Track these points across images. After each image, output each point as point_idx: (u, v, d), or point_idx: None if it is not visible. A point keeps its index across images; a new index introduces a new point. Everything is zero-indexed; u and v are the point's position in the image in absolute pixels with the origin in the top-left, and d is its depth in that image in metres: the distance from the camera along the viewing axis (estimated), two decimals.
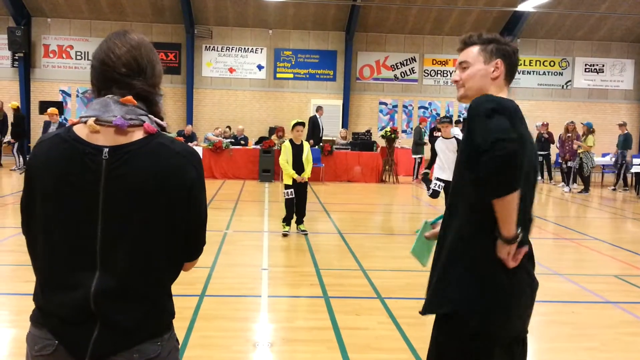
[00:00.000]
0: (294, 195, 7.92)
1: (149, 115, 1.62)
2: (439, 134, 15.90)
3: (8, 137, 17.07)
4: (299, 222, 8.18)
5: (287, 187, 7.97)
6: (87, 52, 19.86)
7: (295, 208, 8.04)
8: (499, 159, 1.83)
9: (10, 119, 16.88)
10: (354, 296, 5.48)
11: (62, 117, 15.14)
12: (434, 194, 8.01)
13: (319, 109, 16.39)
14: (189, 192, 1.60)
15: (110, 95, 1.58)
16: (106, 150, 1.54)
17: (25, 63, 19.28)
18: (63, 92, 19.90)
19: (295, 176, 7.87)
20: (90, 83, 1.66)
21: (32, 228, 1.65)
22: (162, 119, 1.66)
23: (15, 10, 18.70)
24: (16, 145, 16.04)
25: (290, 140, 8.09)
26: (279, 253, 7.13)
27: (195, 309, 4.78)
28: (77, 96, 19.97)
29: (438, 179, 7.93)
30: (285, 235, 7.99)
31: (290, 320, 4.73)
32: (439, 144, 7.99)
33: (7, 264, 6.28)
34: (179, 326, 2.02)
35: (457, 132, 17.10)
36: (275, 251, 7.19)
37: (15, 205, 9.88)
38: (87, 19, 19.69)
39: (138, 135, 1.57)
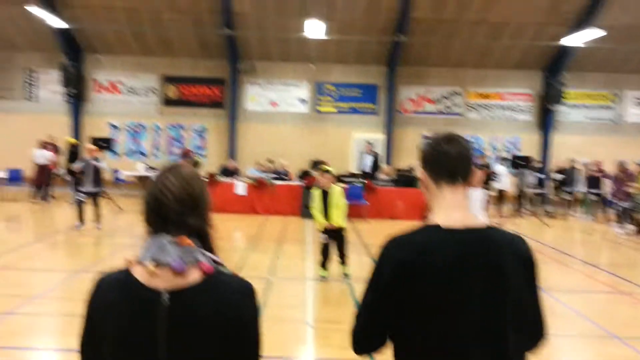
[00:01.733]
0: (327, 241, 8.03)
1: (204, 252, 1.62)
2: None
3: (62, 170, 17.55)
4: (342, 263, 8.19)
5: (323, 231, 8.08)
6: (136, 87, 20.43)
7: (338, 252, 8.10)
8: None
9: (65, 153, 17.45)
10: None
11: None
12: None
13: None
14: (248, 332, 1.62)
15: (165, 235, 1.59)
16: (166, 296, 1.54)
17: (77, 98, 19.94)
18: (112, 125, 20.45)
19: (324, 223, 7.94)
20: (144, 221, 1.66)
21: None
22: (215, 254, 1.66)
23: (69, 47, 19.43)
24: (73, 179, 16.45)
25: (320, 188, 8.15)
26: (324, 305, 7.02)
27: None
28: (126, 130, 20.50)
29: None
30: (323, 278, 8.08)
31: None
32: (470, 194, 7.74)
33: (56, 314, 6.33)
34: None
35: (501, 169, 16.85)
36: (319, 303, 7.08)
37: (66, 243, 10.09)
38: (137, 56, 20.28)
39: (195, 275, 1.57)
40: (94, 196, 11.58)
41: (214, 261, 1.63)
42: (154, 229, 1.63)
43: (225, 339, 1.56)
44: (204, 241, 1.65)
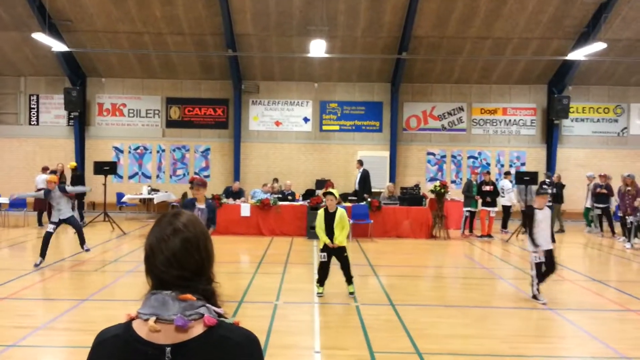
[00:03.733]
0: (327, 259, 8.32)
1: (207, 306, 1.57)
2: (486, 187, 15.67)
3: None
4: (348, 282, 8.47)
5: (321, 250, 8.38)
6: (140, 110, 20.51)
7: (343, 272, 8.41)
8: None
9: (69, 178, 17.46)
10: None
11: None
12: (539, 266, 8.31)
13: (362, 162, 17.02)
14: None
15: (167, 292, 1.55)
16: (168, 350, 1.50)
17: (80, 122, 20.01)
18: (116, 148, 20.48)
19: (327, 242, 8.25)
20: (146, 273, 1.61)
21: None
22: (219, 306, 1.61)
23: (71, 71, 19.54)
24: (75, 203, 16.44)
25: (325, 208, 8.49)
26: (331, 331, 6.89)
27: None
28: (129, 152, 20.52)
29: (536, 248, 8.33)
30: (320, 295, 8.30)
31: None
32: (538, 214, 8.34)
33: (62, 345, 6.23)
34: None
35: (506, 184, 16.72)
36: (327, 329, 6.95)
37: (73, 270, 10.01)
38: (140, 78, 20.38)
39: (198, 329, 1.53)
40: (67, 222, 10.70)
41: (218, 314, 1.59)
42: (154, 285, 1.59)
43: None
44: (210, 297, 1.61)
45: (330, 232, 8.27)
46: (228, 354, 1.52)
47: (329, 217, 8.33)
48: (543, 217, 8.31)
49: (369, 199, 15.56)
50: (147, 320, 1.52)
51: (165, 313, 1.52)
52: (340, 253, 8.32)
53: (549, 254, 8.35)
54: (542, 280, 8.39)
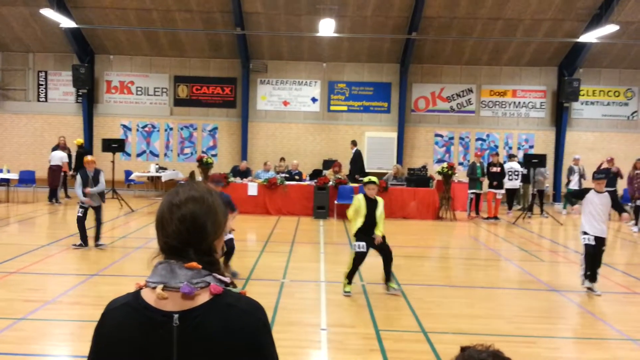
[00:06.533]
0: (366, 249, 7.43)
1: (214, 274, 1.60)
2: (494, 169, 15.61)
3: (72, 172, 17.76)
4: (389, 280, 7.71)
5: (358, 239, 7.47)
6: (148, 88, 20.47)
7: (385, 267, 7.63)
8: None
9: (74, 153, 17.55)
10: None
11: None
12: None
13: (355, 143, 17.10)
14: (258, 351, 1.58)
15: (174, 261, 1.58)
16: (176, 316, 1.54)
17: (88, 99, 20.02)
18: (124, 126, 20.51)
19: (379, 233, 7.46)
20: (158, 242, 1.65)
21: None
22: (224, 275, 1.64)
23: (80, 47, 19.49)
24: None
25: (364, 195, 7.60)
26: (338, 309, 6.94)
27: None
28: (137, 130, 20.56)
29: (585, 233, 7.94)
30: (347, 294, 7.46)
31: None
32: (593, 197, 7.93)
33: (71, 319, 6.31)
34: None
35: (516, 166, 16.66)
36: (333, 306, 7.00)
37: (79, 248, 10.09)
38: (148, 56, 20.33)
39: (204, 297, 1.57)
40: (94, 209, 10.19)
41: (224, 283, 1.62)
42: (164, 253, 1.62)
43: (235, 358, 1.55)
44: (213, 265, 1.62)
45: (371, 223, 7.49)
46: (234, 321, 1.55)
47: (372, 206, 7.53)
48: (598, 201, 7.83)
49: (360, 179, 15.52)
50: (155, 288, 1.56)
51: (173, 281, 1.55)
52: (385, 244, 7.57)
53: (600, 242, 7.92)
54: (592, 272, 7.86)
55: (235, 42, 19.23)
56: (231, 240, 8.09)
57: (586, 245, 7.85)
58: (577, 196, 8.23)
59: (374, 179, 7.69)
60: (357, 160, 16.85)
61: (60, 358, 5.32)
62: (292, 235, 12.35)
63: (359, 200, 7.56)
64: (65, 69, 20.15)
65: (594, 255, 7.85)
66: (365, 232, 7.50)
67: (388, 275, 7.69)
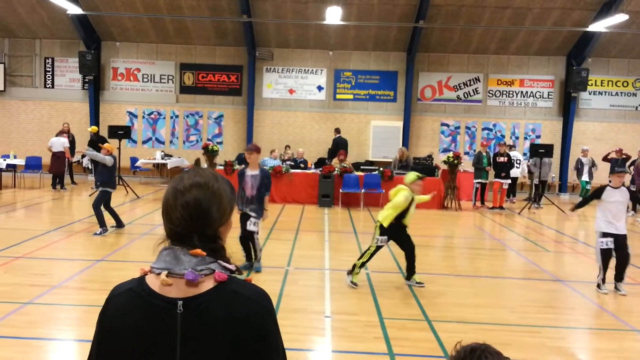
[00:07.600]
0: (385, 244, 7.45)
1: (219, 261, 1.59)
2: (501, 159, 15.54)
3: (77, 157, 17.78)
4: (409, 277, 7.57)
5: (383, 232, 7.34)
6: (154, 75, 20.46)
7: (409, 260, 7.54)
8: None
9: (80, 140, 17.54)
10: (420, 354, 5.24)
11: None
12: None
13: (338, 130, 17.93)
14: (264, 342, 1.57)
15: (179, 248, 1.57)
16: (180, 303, 1.53)
17: (94, 86, 20.02)
18: (130, 113, 20.52)
19: (407, 223, 7.41)
20: (164, 227, 1.64)
21: None
22: (229, 262, 1.62)
23: (86, 35, 19.48)
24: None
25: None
26: (342, 297, 6.95)
27: None
28: (143, 117, 20.57)
29: (606, 235, 7.39)
30: (354, 285, 7.30)
31: None
32: (611, 194, 7.43)
33: (77, 304, 6.35)
34: None
35: (517, 155, 16.61)
36: (338, 294, 7.01)
37: (86, 233, 10.14)
38: (154, 43, 20.29)
39: (209, 283, 1.55)
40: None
41: (229, 270, 1.60)
42: (169, 239, 1.61)
43: (239, 345, 1.53)
44: (219, 251, 1.61)
45: (402, 217, 7.40)
46: (239, 308, 1.54)
47: (412, 202, 7.35)
48: (619, 197, 7.39)
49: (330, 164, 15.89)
50: (159, 274, 1.55)
51: (177, 268, 1.53)
52: (409, 238, 7.53)
53: (621, 241, 7.44)
54: (617, 271, 7.54)
55: (241, 29, 19.16)
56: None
57: (603, 251, 7.39)
58: (593, 198, 7.69)
59: (421, 175, 7.49)
60: (337, 146, 17.36)
61: (66, 342, 5.35)
62: (296, 223, 12.36)
63: (407, 198, 7.27)
64: (71, 55, 20.16)
65: (616, 257, 7.47)
66: (393, 227, 7.36)
67: (412, 269, 7.56)
